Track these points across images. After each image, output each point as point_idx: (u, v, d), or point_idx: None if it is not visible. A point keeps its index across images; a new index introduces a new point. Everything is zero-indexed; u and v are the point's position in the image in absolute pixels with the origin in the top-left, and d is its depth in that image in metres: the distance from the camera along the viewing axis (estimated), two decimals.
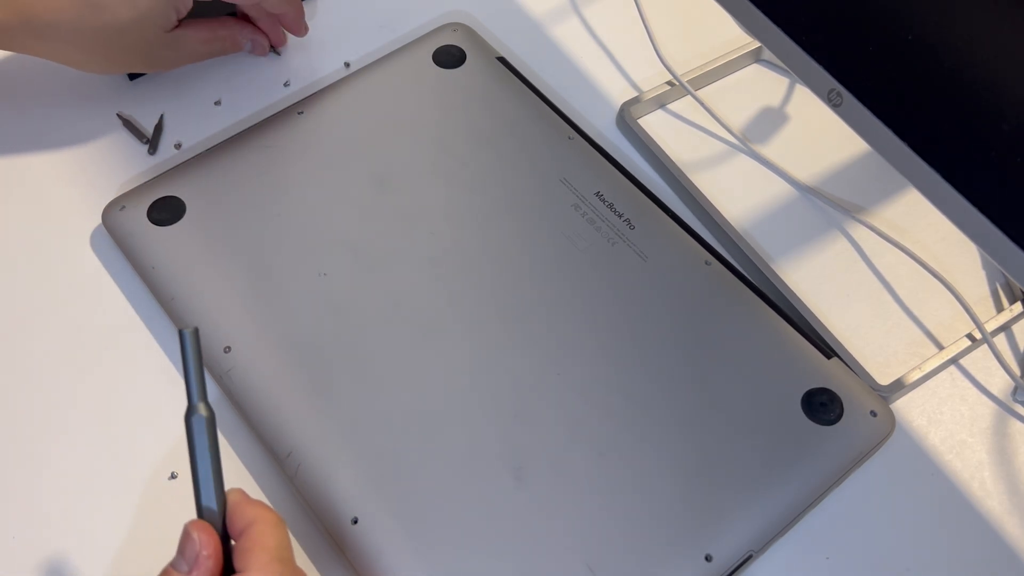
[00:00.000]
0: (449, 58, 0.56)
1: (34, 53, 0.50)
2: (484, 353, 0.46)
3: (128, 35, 0.50)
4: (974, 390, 0.49)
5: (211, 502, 0.36)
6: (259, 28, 0.57)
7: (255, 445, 0.45)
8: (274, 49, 0.59)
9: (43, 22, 0.48)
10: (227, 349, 0.45)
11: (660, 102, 0.58)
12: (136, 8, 0.49)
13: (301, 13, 0.56)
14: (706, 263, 0.49)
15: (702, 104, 0.57)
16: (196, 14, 0.53)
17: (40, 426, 0.46)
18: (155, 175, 0.52)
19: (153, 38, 0.51)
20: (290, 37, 0.58)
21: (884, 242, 0.52)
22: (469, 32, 0.58)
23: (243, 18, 0.56)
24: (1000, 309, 0.51)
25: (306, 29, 0.57)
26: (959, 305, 0.51)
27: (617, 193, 0.51)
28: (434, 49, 0.56)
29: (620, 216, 0.50)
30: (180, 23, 0.52)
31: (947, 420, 0.48)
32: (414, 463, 0.43)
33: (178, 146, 0.55)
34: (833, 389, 0.45)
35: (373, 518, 0.41)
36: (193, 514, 0.36)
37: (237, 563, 0.35)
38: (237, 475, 0.45)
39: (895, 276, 0.52)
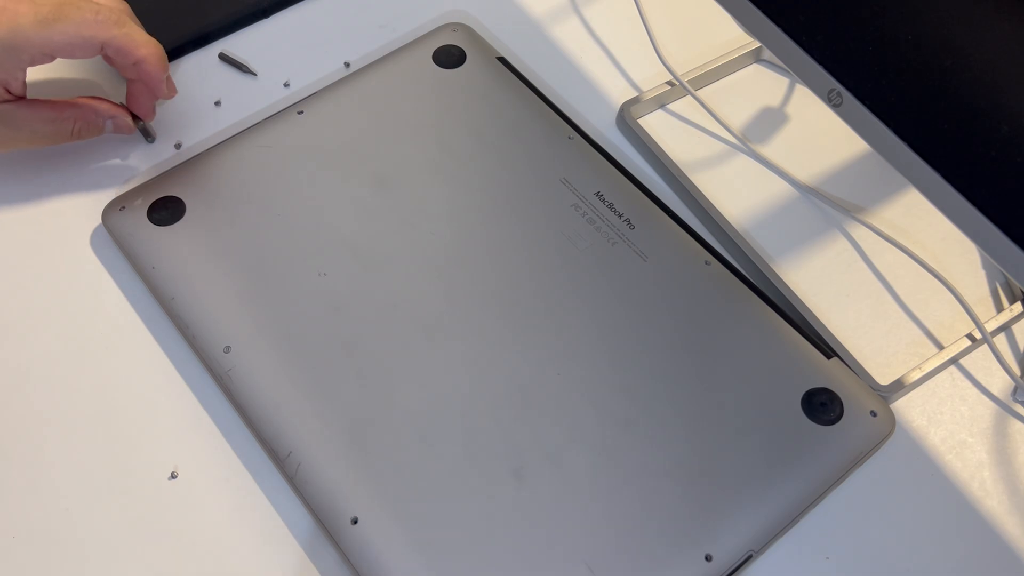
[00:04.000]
0: (449, 58, 0.56)
1: None
2: (484, 353, 0.46)
3: None
4: (974, 390, 0.49)
5: None
6: (117, 105, 0.52)
7: (255, 445, 0.45)
8: (144, 129, 0.53)
9: None
10: (227, 349, 0.45)
11: (660, 102, 0.58)
12: None
13: (161, 68, 0.49)
14: (706, 263, 0.49)
15: (702, 104, 0.57)
16: None
17: (40, 426, 0.46)
18: (155, 175, 0.52)
19: None
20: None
21: (884, 242, 0.52)
22: (469, 32, 0.58)
23: (97, 98, 0.51)
24: (1000, 309, 0.51)
25: (173, 91, 0.52)
26: (959, 305, 0.51)
27: (617, 193, 0.51)
28: (434, 49, 0.56)
29: (620, 216, 0.50)
30: (16, 99, 0.48)
31: (947, 420, 0.48)
32: (414, 463, 0.43)
33: (178, 146, 0.55)
34: (833, 389, 0.45)
35: (373, 518, 0.41)
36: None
37: None
38: (237, 475, 0.45)
39: (895, 276, 0.52)
